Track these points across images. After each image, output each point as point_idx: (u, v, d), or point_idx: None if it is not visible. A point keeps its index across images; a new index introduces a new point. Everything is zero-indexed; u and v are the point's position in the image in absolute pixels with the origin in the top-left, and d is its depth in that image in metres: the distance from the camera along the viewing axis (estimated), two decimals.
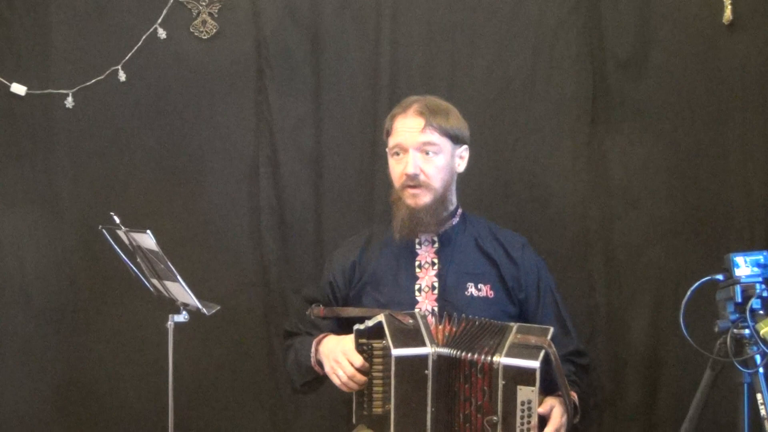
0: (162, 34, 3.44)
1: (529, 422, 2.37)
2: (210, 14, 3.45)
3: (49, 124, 3.49)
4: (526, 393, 2.36)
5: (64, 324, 3.53)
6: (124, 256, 2.95)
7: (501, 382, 2.38)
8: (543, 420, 2.43)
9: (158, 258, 2.78)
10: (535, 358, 2.37)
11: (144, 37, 3.44)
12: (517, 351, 2.39)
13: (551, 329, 2.49)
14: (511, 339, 2.44)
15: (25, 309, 3.53)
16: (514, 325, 2.51)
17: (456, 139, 2.71)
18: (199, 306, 2.80)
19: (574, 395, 2.56)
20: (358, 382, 2.52)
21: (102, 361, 3.52)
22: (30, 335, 3.53)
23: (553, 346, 2.41)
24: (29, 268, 3.53)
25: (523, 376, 2.36)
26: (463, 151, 2.76)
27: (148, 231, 2.69)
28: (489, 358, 2.40)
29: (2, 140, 3.52)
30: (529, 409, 2.36)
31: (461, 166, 2.76)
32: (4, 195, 3.52)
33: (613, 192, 3.24)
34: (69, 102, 3.46)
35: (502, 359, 2.38)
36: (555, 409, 2.46)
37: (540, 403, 2.40)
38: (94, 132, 3.50)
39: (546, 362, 2.38)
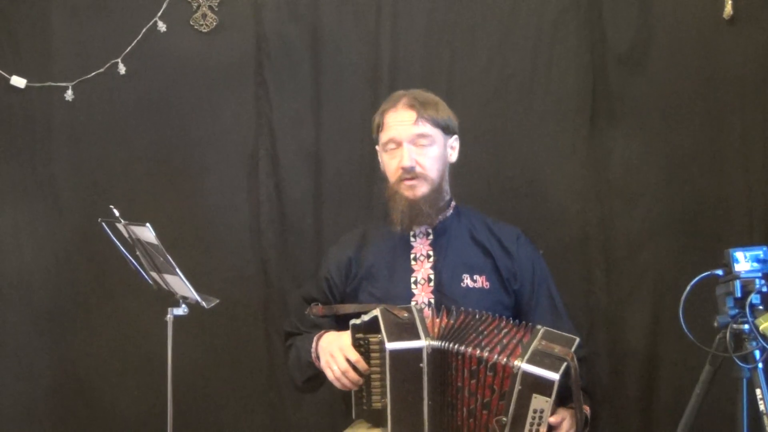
0: (162, 27, 3.43)
1: (538, 430, 2.36)
2: (210, 8, 3.44)
3: (49, 117, 3.49)
4: (540, 402, 2.34)
5: (62, 317, 3.53)
6: (123, 249, 2.95)
7: (517, 387, 2.36)
8: (551, 429, 2.43)
9: (157, 251, 2.78)
10: (556, 369, 2.34)
11: (144, 30, 3.44)
12: (539, 359, 2.37)
13: (577, 340, 2.47)
14: (535, 344, 2.41)
15: (24, 302, 3.53)
16: (541, 329, 2.49)
17: (447, 130, 2.74)
18: (198, 299, 2.80)
19: (587, 409, 2.55)
20: (352, 378, 2.52)
21: (100, 354, 3.53)
22: (29, 328, 3.53)
23: (575, 359, 2.39)
24: (28, 260, 3.53)
25: (541, 386, 2.34)
26: (454, 141, 2.78)
27: (148, 224, 2.69)
28: (505, 359, 2.39)
29: (2, 133, 3.51)
30: (540, 417, 2.35)
31: (453, 156, 2.78)
32: (3, 188, 3.52)
33: (612, 187, 3.24)
34: (69, 95, 3.46)
35: (523, 365, 2.36)
36: (565, 422, 2.46)
37: (553, 413, 2.39)
38: (93, 125, 3.50)
39: (566, 375, 2.36)
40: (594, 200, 3.25)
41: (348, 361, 2.52)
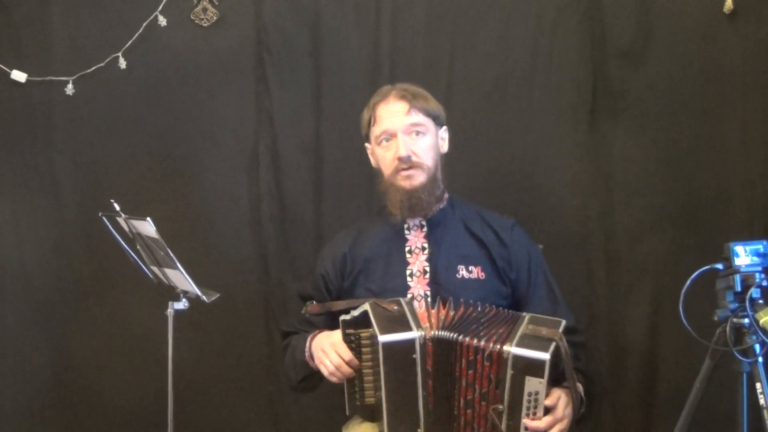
0: (162, 21, 3.43)
1: (534, 413, 2.36)
2: (210, 2, 3.44)
3: (50, 111, 3.50)
4: (534, 384, 2.35)
5: (62, 311, 3.54)
6: (123, 243, 2.96)
7: (510, 372, 2.36)
8: (548, 411, 2.41)
9: (158, 245, 2.79)
10: (545, 350, 2.34)
11: (144, 24, 3.44)
12: (528, 342, 2.37)
13: (563, 322, 2.46)
14: (522, 329, 2.42)
15: (24, 296, 3.54)
16: (527, 316, 2.49)
17: (437, 120, 2.74)
18: (199, 293, 2.80)
19: (580, 387, 2.54)
20: (345, 372, 2.52)
21: (100, 348, 3.54)
22: (28, 322, 3.54)
23: (564, 339, 2.39)
24: (28, 254, 3.54)
25: (533, 368, 2.34)
26: (444, 132, 2.78)
27: (148, 218, 2.69)
28: (498, 346, 2.38)
29: (2, 127, 3.52)
30: (536, 400, 2.36)
31: (444, 146, 2.78)
32: (3, 182, 3.53)
33: (612, 181, 3.24)
34: (69, 89, 3.46)
35: (512, 349, 2.36)
36: (561, 399, 2.44)
37: (547, 395, 2.39)
38: (94, 119, 3.51)
39: (556, 355, 2.36)
40: (594, 194, 3.25)
41: (340, 357, 2.52)
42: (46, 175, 3.52)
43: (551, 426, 2.41)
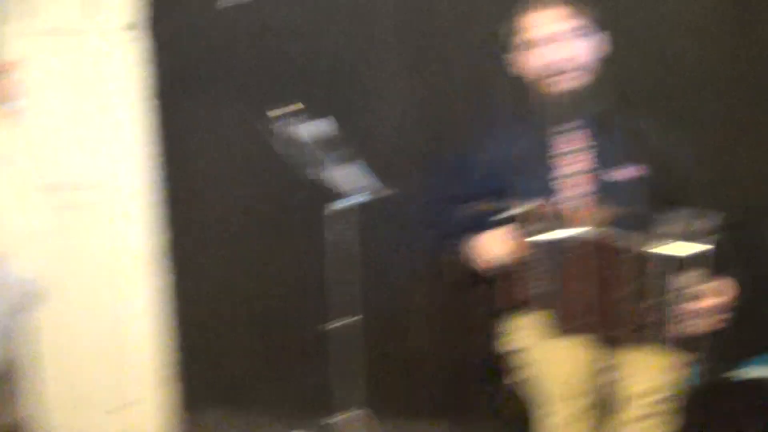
0: None
1: (686, 307, 2.42)
2: None
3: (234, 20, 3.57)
4: (684, 280, 2.39)
5: (252, 230, 3.71)
6: (293, 143, 3.01)
7: (659, 269, 2.41)
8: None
9: (330, 142, 2.88)
10: (696, 245, 2.38)
11: None
12: (678, 238, 2.41)
13: (713, 218, 2.45)
14: (673, 227, 2.44)
15: (224, 212, 3.71)
16: (676, 213, 2.49)
17: (591, 25, 2.73)
18: (375, 185, 2.93)
19: (730, 282, 2.54)
20: (507, 266, 2.58)
21: (293, 257, 3.69)
22: (225, 238, 3.74)
23: (713, 234, 2.40)
24: (219, 174, 3.70)
25: (682, 263, 2.39)
26: (599, 38, 2.76)
27: (329, 118, 2.79)
28: (649, 244, 2.42)
29: (181, 44, 3.63)
30: (686, 294, 2.41)
31: (600, 52, 2.76)
32: (190, 95, 3.66)
33: None
34: None
35: (661, 246, 2.40)
36: (714, 289, 2.46)
37: (698, 289, 2.41)
38: (274, 27, 3.57)
39: (706, 251, 2.39)
40: None
41: (497, 251, 2.60)
42: (223, 87, 3.63)
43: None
